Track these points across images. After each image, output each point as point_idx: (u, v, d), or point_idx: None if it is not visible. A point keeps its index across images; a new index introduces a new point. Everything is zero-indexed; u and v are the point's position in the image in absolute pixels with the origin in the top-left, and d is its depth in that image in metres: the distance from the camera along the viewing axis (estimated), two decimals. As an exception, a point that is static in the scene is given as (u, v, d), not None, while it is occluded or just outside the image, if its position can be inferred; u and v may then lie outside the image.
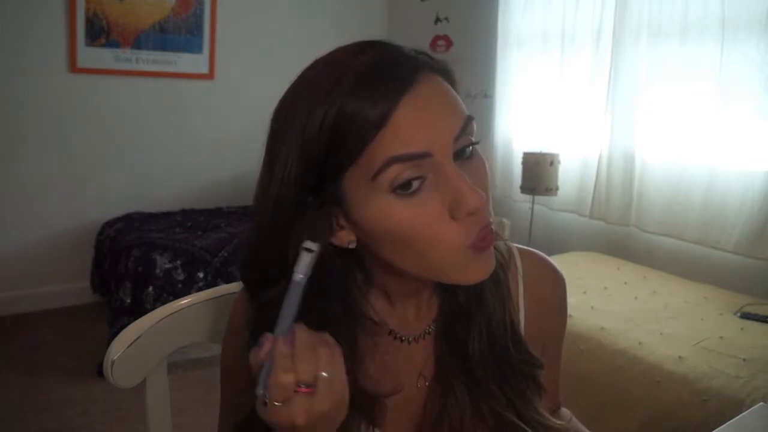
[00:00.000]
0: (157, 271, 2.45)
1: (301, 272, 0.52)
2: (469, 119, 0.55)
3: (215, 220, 3.04)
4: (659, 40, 2.28)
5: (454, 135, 0.54)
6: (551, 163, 2.58)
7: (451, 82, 0.58)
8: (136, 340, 0.77)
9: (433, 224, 0.54)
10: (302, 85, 0.56)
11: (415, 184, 0.53)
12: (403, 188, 0.52)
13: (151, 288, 2.43)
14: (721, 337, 1.64)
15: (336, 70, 0.54)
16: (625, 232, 2.53)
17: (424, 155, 0.52)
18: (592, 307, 1.81)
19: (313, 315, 0.57)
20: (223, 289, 0.85)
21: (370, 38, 0.58)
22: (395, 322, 0.67)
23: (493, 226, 0.57)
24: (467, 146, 0.56)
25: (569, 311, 0.78)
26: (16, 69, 2.83)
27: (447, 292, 0.67)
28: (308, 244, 0.53)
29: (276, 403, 0.49)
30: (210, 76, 3.29)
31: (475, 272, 0.57)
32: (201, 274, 2.53)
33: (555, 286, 0.75)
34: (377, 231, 0.55)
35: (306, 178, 0.54)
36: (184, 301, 0.83)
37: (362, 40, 0.58)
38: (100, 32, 2.97)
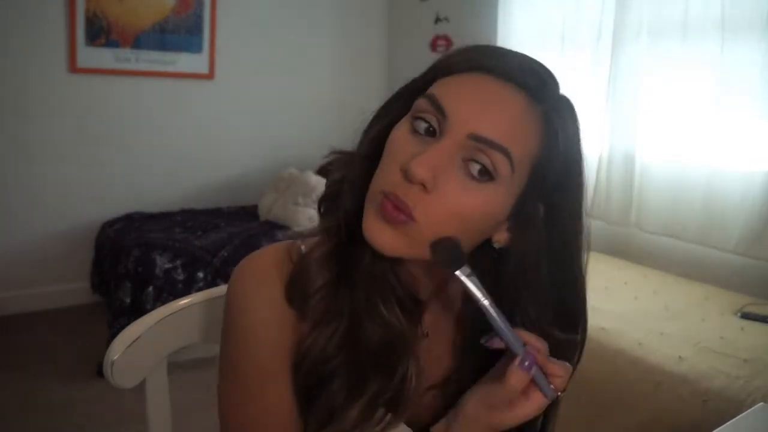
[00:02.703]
0: (157, 271, 2.45)
1: (483, 297, 0.57)
2: (500, 147, 0.55)
3: (215, 220, 3.03)
4: (659, 40, 2.28)
5: (471, 132, 0.55)
6: (551, 163, 2.57)
7: (544, 121, 0.58)
8: (136, 340, 0.77)
9: (396, 153, 0.57)
10: None
11: (422, 126, 0.57)
12: (414, 121, 0.58)
13: (151, 288, 2.43)
14: (721, 338, 1.64)
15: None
16: (625, 232, 2.52)
17: (441, 112, 0.56)
18: (592, 307, 1.80)
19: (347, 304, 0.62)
20: (223, 289, 0.84)
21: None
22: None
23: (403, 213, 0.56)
24: (475, 161, 0.55)
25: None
26: (16, 69, 2.83)
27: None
28: (463, 271, 0.57)
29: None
30: (210, 76, 3.29)
31: (370, 227, 0.58)
32: (201, 274, 2.53)
33: None
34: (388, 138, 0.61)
35: (407, 93, 0.63)
36: (184, 301, 0.83)
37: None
38: (99, 32, 2.96)
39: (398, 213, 0.55)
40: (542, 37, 2.75)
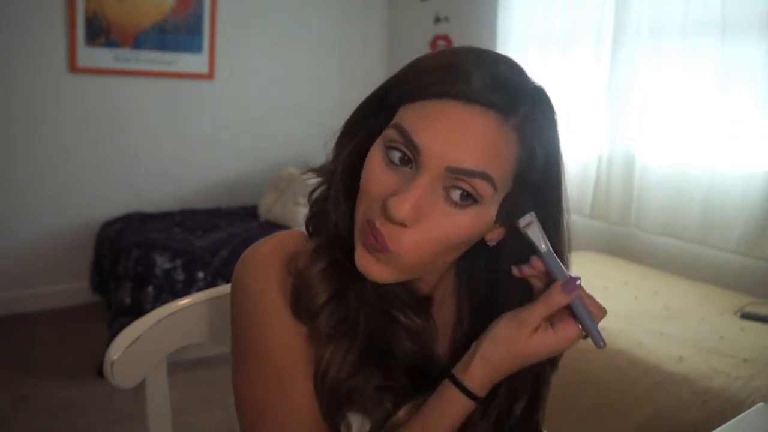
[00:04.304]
0: (157, 271, 2.45)
1: (543, 243, 0.59)
2: (480, 174, 0.55)
3: (215, 220, 3.04)
4: (659, 40, 2.28)
5: (449, 165, 0.55)
6: (551, 163, 2.57)
7: (519, 132, 0.58)
8: (136, 340, 0.77)
9: (374, 185, 0.57)
10: None
11: (396, 156, 0.57)
12: (388, 152, 0.58)
13: (150, 288, 2.43)
14: (721, 337, 1.64)
15: (459, 49, 0.60)
16: (625, 232, 2.52)
17: (414, 147, 0.55)
18: (592, 307, 1.81)
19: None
20: (223, 289, 0.85)
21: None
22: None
23: (392, 251, 0.56)
24: (457, 188, 0.56)
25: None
26: (16, 69, 2.82)
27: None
28: (525, 219, 0.58)
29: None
30: (210, 76, 3.29)
31: (360, 258, 0.59)
32: (201, 274, 2.53)
33: None
34: (364, 165, 0.60)
35: (383, 96, 0.62)
36: (184, 301, 0.83)
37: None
38: (99, 32, 2.96)
39: (375, 243, 0.56)
40: (542, 37, 2.75)
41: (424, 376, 0.64)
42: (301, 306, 0.63)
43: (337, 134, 0.66)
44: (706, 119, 2.14)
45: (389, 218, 0.55)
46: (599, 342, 0.59)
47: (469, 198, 0.56)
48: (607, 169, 2.50)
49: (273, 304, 0.63)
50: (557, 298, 0.58)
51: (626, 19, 2.37)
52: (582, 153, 2.62)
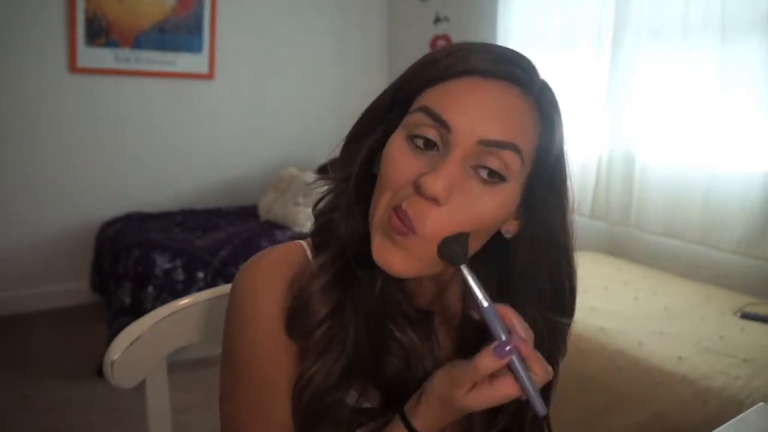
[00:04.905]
0: (157, 271, 2.45)
1: (484, 298, 0.55)
2: (510, 145, 0.55)
3: (215, 220, 3.04)
4: (659, 40, 2.28)
5: (480, 138, 0.55)
6: (551, 163, 2.57)
7: (537, 109, 0.58)
8: (136, 340, 0.77)
9: (400, 171, 0.56)
10: None
11: (421, 142, 0.56)
12: (412, 138, 0.57)
13: (150, 288, 2.42)
14: (721, 337, 1.64)
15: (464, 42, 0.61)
16: (626, 232, 2.52)
17: (444, 125, 0.55)
18: (592, 307, 1.81)
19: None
20: (223, 289, 0.85)
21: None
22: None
23: (417, 232, 0.55)
24: (486, 167, 0.55)
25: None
26: (16, 69, 2.82)
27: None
28: (464, 270, 0.56)
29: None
30: (210, 76, 3.29)
31: (378, 248, 0.57)
32: (201, 274, 2.53)
33: None
34: (383, 158, 0.59)
35: (392, 97, 0.62)
36: (184, 301, 0.83)
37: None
38: (99, 32, 2.96)
39: (401, 225, 0.55)
40: (542, 37, 2.75)
41: (404, 400, 0.61)
42: (295, 325, 0.62)
43: (343, 141, 0.65)
44: (706, 119, 2.14)
45: (423, 194, 0.54)
46: (538, 408, 0.54)
47: (497, 176, 0.56)
48: (607, 169, 2.50)
49: (266, 321, 0.62)
50: (487, 362, 0.53)
51: (626, 19, 2.37)
52: (582, 153, 2.61)
